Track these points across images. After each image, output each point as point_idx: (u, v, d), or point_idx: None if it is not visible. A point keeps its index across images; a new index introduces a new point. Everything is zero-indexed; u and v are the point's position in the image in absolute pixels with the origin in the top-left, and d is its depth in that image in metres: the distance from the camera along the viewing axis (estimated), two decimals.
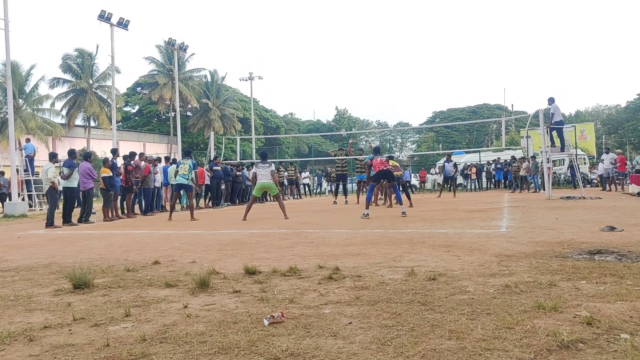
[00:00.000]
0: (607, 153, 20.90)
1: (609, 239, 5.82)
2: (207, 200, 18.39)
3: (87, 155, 12.77)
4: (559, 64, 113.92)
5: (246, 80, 38.61)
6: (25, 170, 18.95)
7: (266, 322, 2.91)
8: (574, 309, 2.99)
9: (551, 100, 15.33)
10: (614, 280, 3.69)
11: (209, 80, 48.75)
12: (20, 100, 35.47)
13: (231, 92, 50.81)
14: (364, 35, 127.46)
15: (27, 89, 36.40)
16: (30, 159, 19.23)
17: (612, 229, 6.68)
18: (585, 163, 29.20)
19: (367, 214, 10.34)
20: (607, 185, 20.41)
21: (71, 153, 12.10)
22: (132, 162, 13.85)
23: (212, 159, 19.02)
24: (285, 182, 23.63)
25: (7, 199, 17.53)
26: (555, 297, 3.24)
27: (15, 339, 2.85)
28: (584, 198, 14.21)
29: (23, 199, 18.12)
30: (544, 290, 3.47)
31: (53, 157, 12.12)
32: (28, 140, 21.77)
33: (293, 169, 25.35)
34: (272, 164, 11.47)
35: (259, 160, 11.84)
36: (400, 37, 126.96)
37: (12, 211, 15.91)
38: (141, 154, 15.27)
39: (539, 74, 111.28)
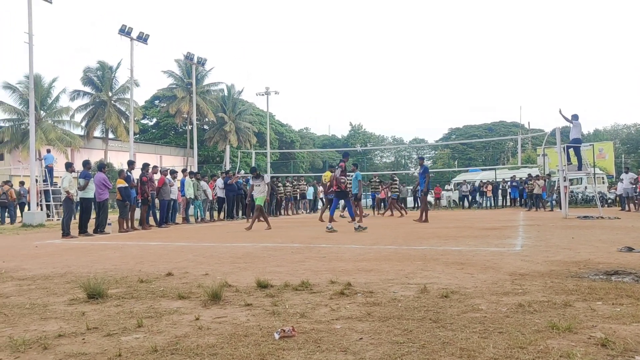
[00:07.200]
0: (626, 172, 20.63)
1: (627, 260, 5.72)
2: (220, 213, 18.63)
3: (102, 166, 12.93)
4: (577, 83, 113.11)
5: (263, 94, 38.93)
6: (44, 181, 19.28)
7: (277, 336, 2.91)
8: (589, 330, 2.95)
9: (575, 117, 15.18)
10: (631, 302, 3.62)
11: (226, 94, 49.27)
12: (42, 112, 36.24)
13: (247, 106, 51.27)
14: (381, 51, 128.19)
15: (49, 101, 37.22)
16: (50, 169, 19.57)
17: (630, 249, 6.57)
18: (603, 182, 28.82)
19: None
20: (627, 205, 20.11)
21: (86, 164, 12.26)
22: (146, 173, 14.02)
23: (226, 172, 19.24)
24: (298, 196, 23.83)
25: (27, 208, 17.83)
26: (569, 318, 3.20)
27: (30, 346, 2.89)
28: (602, 218, 14.01)
29: (41, 209, 18.42)
30: (558, 311, 3.42)
31: (69, 166, 12.29)
32: (48, 150, 22.19)
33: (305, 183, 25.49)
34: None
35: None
36: (416, 54, 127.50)
37: (30, 220, 16.18)
38: (154, 167, 15.47)
39: (556, 92, 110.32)
